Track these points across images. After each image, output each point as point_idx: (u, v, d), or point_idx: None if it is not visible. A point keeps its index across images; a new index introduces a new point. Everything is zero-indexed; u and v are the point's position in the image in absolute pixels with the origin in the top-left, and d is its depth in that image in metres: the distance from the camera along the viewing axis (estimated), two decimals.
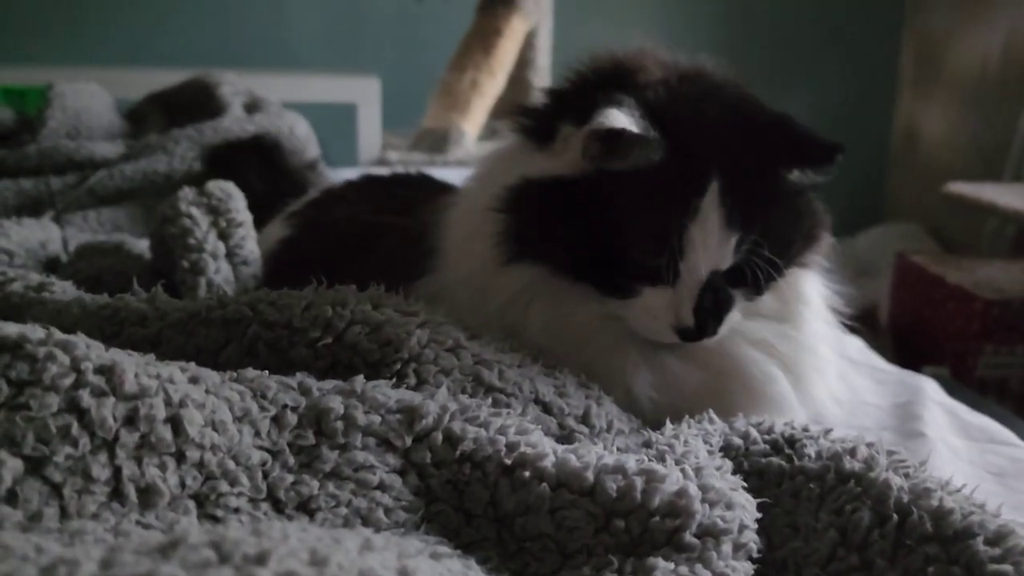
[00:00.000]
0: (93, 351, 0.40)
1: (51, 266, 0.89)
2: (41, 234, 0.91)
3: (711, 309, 0.59)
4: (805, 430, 0.51)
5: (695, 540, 0.41)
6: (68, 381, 0.38)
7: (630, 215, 0.57)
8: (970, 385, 1.89)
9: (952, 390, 0.90)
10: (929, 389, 0.86)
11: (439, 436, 0.46)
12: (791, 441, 0.50)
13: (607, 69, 0.63)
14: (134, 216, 1.16)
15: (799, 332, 0.66)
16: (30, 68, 1.92)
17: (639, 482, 0.43)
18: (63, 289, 0.67)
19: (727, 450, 0.51)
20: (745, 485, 0.47)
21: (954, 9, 2.77)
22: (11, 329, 0.39)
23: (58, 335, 0.40)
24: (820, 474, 0.47)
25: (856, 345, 1.02)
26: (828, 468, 0.47)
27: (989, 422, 0.80)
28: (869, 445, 0.49)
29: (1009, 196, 1.97)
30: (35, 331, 0.40)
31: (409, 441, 0.45)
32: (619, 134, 0.55)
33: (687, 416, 0.55)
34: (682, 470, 0.45)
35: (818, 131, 0.59)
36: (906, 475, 0.46)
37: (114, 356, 0.41)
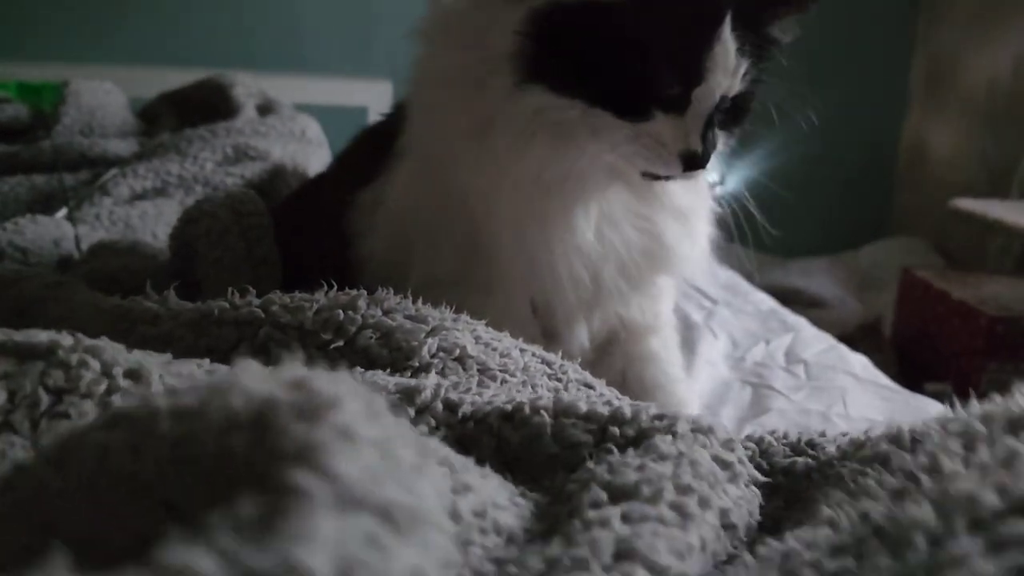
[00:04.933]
0: (120, 355, 0.41)
1: (64, 264, 0.90)
2: (55, 232, 0.92)
3: (712, 139, 0.64)
4: (822, 435, 0.51)
5: (688, 431, 0.44)
6: (102, 387, 0.39)
7: (658, 39, 0.60)
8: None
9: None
10: (935, 412, 0.85)
11: (439, 404, 0.47)
12: (811, 444, 0.50)
13: None
14: (145, 215, 1.17)
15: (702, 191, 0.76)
16: (46, 64, 1.93)
17: (627, 407, 0.46)
18: (77, 288, 0.67)
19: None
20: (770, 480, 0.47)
21: (965, 27, 2.77)
22: (42, 336, 0.40)
23: (86, 340, 0.41)
24: (844, 455, 0.47)
25: (861, 362, 1.01)
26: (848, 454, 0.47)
27: None
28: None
29: (1015, 213, 1.96)
30: (64, 337, 0.41)
31: (413, 413, 0.47)
32: None
33: None
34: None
35: None
36: None
37: (139, 358, 0.42)
